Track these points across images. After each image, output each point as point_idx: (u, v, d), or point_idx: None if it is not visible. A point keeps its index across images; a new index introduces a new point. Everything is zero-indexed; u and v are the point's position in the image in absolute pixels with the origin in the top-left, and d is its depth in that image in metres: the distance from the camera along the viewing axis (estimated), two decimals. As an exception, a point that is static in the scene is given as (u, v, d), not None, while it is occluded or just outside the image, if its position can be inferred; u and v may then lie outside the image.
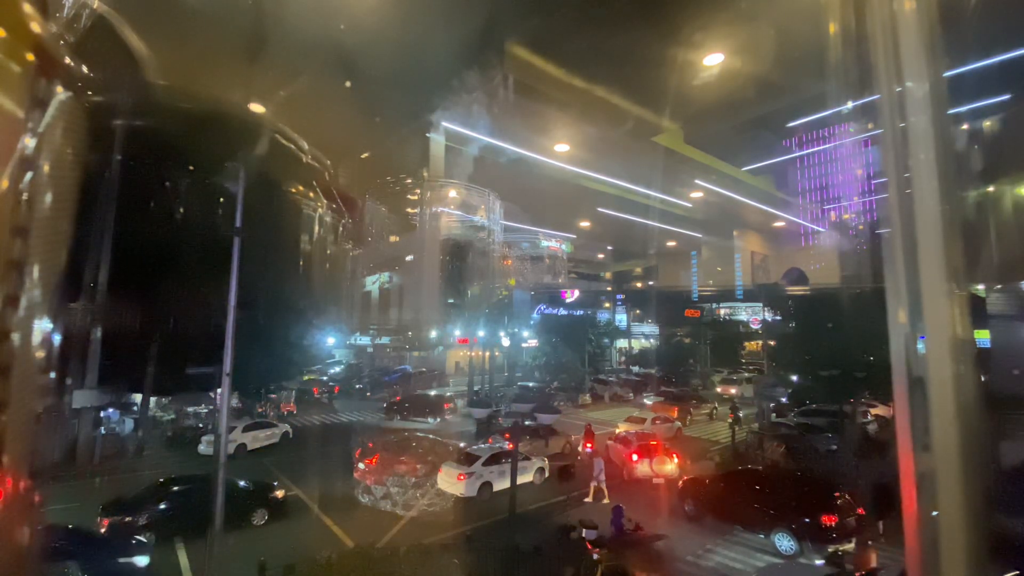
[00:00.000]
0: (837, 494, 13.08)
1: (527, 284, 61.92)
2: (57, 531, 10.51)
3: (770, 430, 22.71)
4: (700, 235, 76.48)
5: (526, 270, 67.10)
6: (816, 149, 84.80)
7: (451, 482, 16.01)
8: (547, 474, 18.11)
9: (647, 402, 32.16)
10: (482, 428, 23.72)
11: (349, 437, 22.96)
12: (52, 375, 1.95)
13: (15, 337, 1.63)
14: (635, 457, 17.67)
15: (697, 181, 61.90)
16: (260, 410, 27.21)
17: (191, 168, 18.29)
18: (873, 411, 25.07)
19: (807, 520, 12.33)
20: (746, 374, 40.34)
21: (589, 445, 20.58)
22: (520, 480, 17.00)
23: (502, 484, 15.73)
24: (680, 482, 15.97)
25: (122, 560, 10.88)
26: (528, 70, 36.81)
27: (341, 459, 19.29)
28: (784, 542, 12.45)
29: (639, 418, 25.01)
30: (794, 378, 26.51)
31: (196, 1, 22.04)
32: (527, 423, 20.04)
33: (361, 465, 16.90)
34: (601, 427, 27.55)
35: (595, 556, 10.78)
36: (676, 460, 17.66)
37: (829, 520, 12.13)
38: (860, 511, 12.75)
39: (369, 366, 47.38)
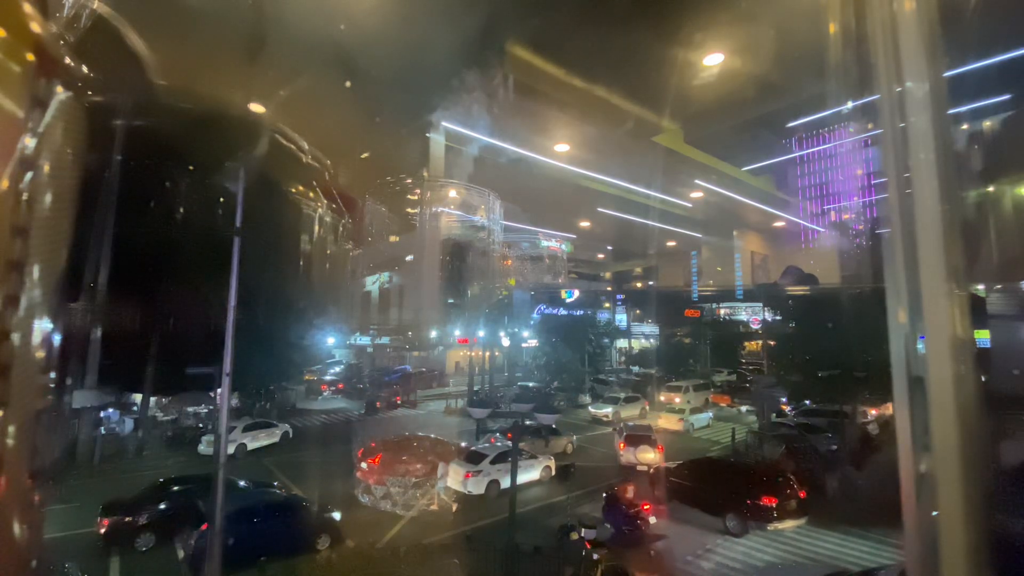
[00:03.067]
0: (781, 479, 14.59)
1: (527, 284, 61.85)
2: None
3: (770, 430, 22.72)
4: (700, 235, 76.48)
5: (526, 270, 67.01)
6: (816, 149, 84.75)
7: (459, 480, 16.27)
8: (553, 472, 18.31)
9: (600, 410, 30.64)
10: (482, 428, 23.77)
11: (349, 437, 22.97)
12: (52, 375, 1.94)
13: (15, 337, 1.63)
14: (622, 446, 19.61)
15: (697, 181, 61.97)
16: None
17: (191, 168, 18.27)
18: (874, 410, 25.09)
19: (751, 502, 13.82)
20: (694, 380, 36.52)
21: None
22: (527, 478, 17.23)
23: (509, 482, 16.08)
24: (652, 470, 17.36)
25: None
26: (528, 70, 36.82)
27: (341, 459, 19.31)
28: (732, 522, 13.88)
29: (679, 408, 27.87)
30: (794, 378, 26.46)
31: (196, 1, 22.02)
32: (527, 423, 20.22)
33: (363, 465, 16.96)
34: (603, 426, 27.61)
35: (595, 556, 10.78)
36: (659, 450, 19.10)
37: (770, 501, 13.67)
38: (802, 494, 14.29)
39: (369, 366, 47.36)
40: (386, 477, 16.14)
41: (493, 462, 16.59)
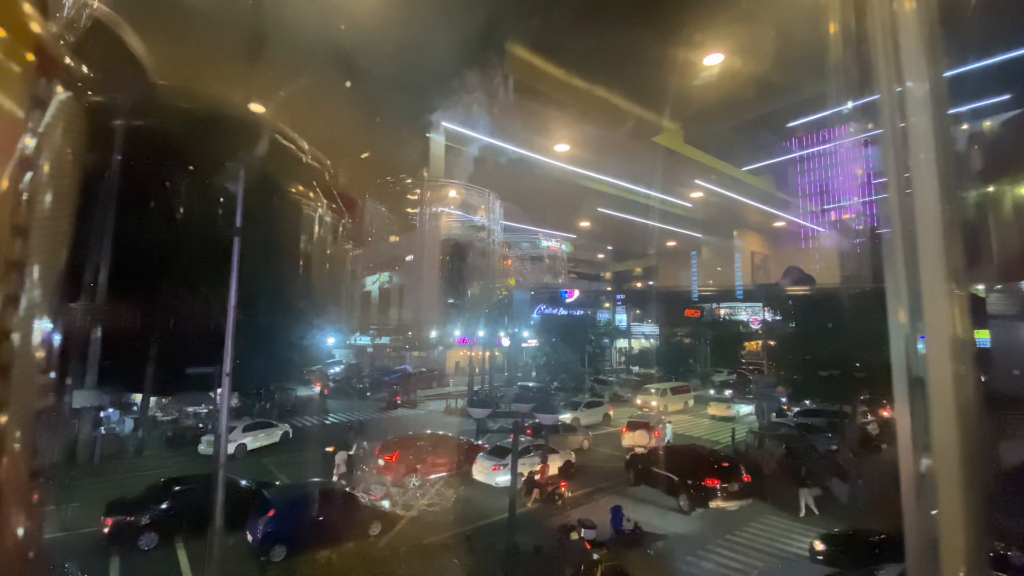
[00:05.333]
0: (726, 464, 16.58)
1: (527, 284, 61.84)
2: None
3: (770, 430, 22.73)
4: (700, 235, 76.42)
5: (526, 270, 67.01)
6: (816, 149, 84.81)
7: (486, 473, 17.45)
8: (574, 467, 19.04)
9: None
10: (482, 428, 23.77)
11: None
12: (52, 375, 1.94)
13: (15, 337, 1.62)
14: (624, 431, 23.13)
15: (697, 181, 61.88)
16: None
17: (191, 168, 18.26)
18: (885, 412, 25.14)
19: (697, 483, 15.79)
20: (672, 384, 35.19)
21: None
22: (550, 471, 17.62)
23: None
24: (628, 455, 19.28)
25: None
26: (528, 70, 36.76)
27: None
28: (683, 501, 15.92)
29: (725, 399, 32.02)
30: (794, 378, 26.43)
31: (196, 1, 22.02)
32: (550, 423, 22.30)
33: (380, 462, 17.80)
34: (601, 427, 27.60)
35: (595, 556, 10.78)
36: (656, 435, 21.99)
37: (712, 483, 15.65)
38: (746, 478, 16.18)
39: (369, 366, 47.36)
40: (405, 475, 16.99)
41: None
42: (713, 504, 15.65)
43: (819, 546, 12.11)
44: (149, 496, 13.50)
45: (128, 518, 12.72)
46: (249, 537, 12.52)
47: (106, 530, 12.48)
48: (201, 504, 11.75)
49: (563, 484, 16.09)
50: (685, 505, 15.84)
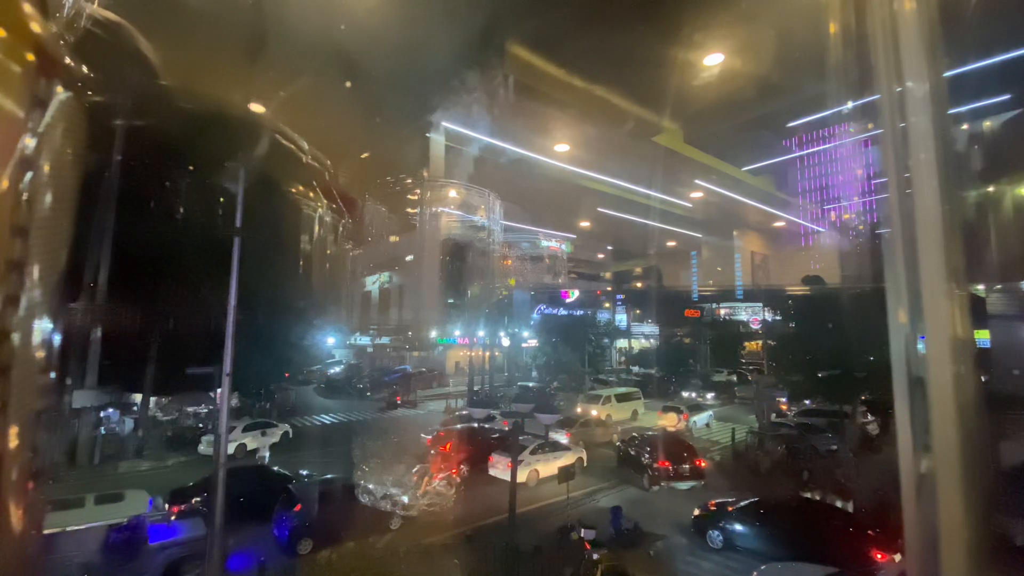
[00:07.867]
0: (682, 450, 18.43)
1: (527, 284, 61.84)
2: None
3: (770, 430, 22.72)
4: (700, 235, 76.44)
5: (526, 270, 66.99)
6: (816, 149, 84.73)
7: (502, 469, 17.67)
8: (585, 464, 19.52)
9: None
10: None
11: (349, 436, 22.94)
12: (52, 375, 1.94)
13: (15, 337, 1.62)
14: (660, 414, 27.32)
15: (697, 181, 61.92)
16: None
17: (191, 168, 18.27)
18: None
19: (652, 465, 17.87)
20: (617, 390, 32.17)
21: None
22: (558, 468, 17.84)
23: (547, 471, 17.94)
24: (618, 442, 20.88)
25: None
26: (528, 70, 36.79)
27: (341, 458, 19.31)
28: (645, 480, 17.88)
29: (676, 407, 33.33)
30: (794, 378, 26.44)
31: (196, 1, 22.02)
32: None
33: (433, 452, 18.64)
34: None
35: (595, 556, 10.78)
36: (684, 417, 26.09)
37: (663, 464, 17.66)
38: (698, 462, 17.98)
39: (369, 366, 47.36)
40: (459, 465, 17.67)
41: (532, 453, 18.27)
42: (665, 483, 17.55)
43: (696, 512, 14.35)
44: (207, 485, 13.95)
45: (192, 505, 13.52)
46: (275, 530, 12.87)
47: (173, 518, 13.23)
48: (255, 492, 13.33)
49: (454, 472, 17.24)
50: (646, 483, 17.71)
